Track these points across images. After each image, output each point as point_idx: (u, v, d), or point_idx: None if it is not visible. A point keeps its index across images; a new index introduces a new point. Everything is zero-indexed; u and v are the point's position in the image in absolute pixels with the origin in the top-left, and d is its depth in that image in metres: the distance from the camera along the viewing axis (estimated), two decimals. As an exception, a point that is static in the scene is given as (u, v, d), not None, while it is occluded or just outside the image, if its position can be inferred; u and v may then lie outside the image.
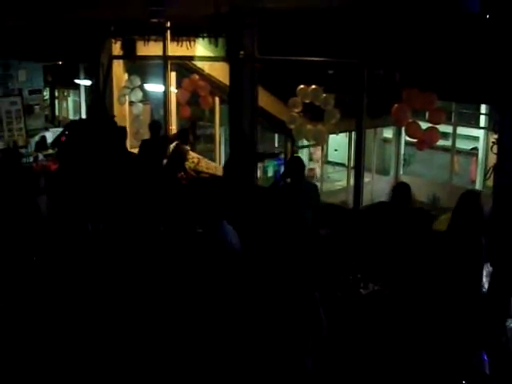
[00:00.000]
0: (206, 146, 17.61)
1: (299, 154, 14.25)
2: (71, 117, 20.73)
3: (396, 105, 9.85)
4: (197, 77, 13.69)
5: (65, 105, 21.15)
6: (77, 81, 18.73)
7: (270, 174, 15.70)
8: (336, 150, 17.43)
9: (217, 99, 14.81)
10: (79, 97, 19.50)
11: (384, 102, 10.65)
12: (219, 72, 13.81)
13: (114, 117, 13.84)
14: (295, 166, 9.20)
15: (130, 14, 12.43)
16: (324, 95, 11.01)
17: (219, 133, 15.41)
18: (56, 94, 20.54)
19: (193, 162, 13.62)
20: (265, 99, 12.59)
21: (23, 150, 15.78)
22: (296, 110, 11.37)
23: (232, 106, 12.18)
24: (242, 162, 11.11)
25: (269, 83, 12.93)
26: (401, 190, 8.19)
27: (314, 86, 11.09)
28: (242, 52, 11.69)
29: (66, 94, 21.11)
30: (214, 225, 6.93)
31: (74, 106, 20.97)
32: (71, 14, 12.56)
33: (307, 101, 11.22)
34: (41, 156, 15.43)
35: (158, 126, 12.51)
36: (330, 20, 10.42)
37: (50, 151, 15.26)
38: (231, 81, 12.02)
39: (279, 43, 11.55)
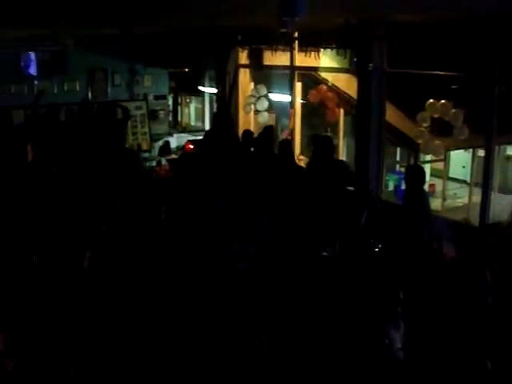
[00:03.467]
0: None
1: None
2: (193, 123, 21.37)
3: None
4: (324, 87, 14.03)
5: (187, 111, 21.79)
6: (201, 88, 19.36)
7: (391, 188, 15.79)
8: (464, 167, 17.37)
9: (341, 110, 15.05)
10: (202, 104, 20.10)
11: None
12: (344, 83, 14.11)
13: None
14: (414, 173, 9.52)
15: (258, 23, 12.83)
16: (453, 110, 11.18)
17: (342, 144, 15.66)
18: (179, 100, 21.21)
19: (315, 172, 13.91)
20: (389, 112, 12.78)
21: (147, 154, 16.48)
22: (424, 125, 11.58)
23: (359, 118, 12.49)
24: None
25: (394, 96, 13.11)
26: None
27: (443, 101, 11.28)
28: (370, 64, 11.97)
29: (188, 100, 21.75)
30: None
31: (195, 112, 21.59)
32: (199, 23, 13.06)
33: (436, 116, 11.41)
34: (164, 161, 16.05)
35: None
36: (462, 33, 10.54)
37: (174, 156, 15.89)
38: (359, 93, 12.33)
39: (408, 56, 11.75)
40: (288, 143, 12.50)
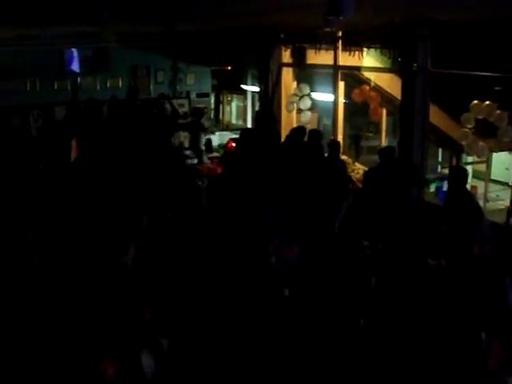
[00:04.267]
0: (370, 157, 17.86)
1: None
2: (234, 121, 21.48)
3: None
4: (367, 87, 14.10)
5: (228, 109, 21.91)
6: (244, 86, 19.49)
7: (432, 189, 15.78)
8: (507, 169, 17.27)
9: (384, 110, 15.08)
10: (243, 102, 20.24)
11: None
12: (386, 83, 14.16)
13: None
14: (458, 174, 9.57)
15: (302, 21, 12.90)
16: (498, 112, 11.18)
17: (385, 145, 15.65)
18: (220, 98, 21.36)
19: (358, 173, 13.97)
20: (433, 113, 12.79)
21: (188, 152, 16.59)
22: (468, 126, 11.59)
23: (403, 119, 12.54)
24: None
25: (438, 97, 13.11)
26: None
27: (488, 102, 11.28)
28: (415, 64, 12.01)
29: (229, 98, 21.88)
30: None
31: (237, 110, 21.70)
32: (242, 21, 13.16)
33: (480, 117, 11.41)
34: (206, 158, 16.17)
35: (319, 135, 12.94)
36: (507, 33, 10.51)
37: (216, 154, 16.03)
38: (403, 93, 12.39)
39: (452, 56, 11.76)
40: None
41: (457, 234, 8.94)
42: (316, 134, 12.67)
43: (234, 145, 14.20)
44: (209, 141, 17.16)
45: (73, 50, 16.60)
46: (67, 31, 14.33)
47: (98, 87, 17.01)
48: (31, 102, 16.26)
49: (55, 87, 16.63)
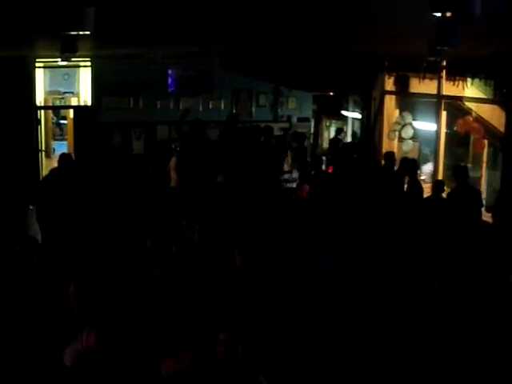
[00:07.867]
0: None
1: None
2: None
3: None
4: (471, 118, 14.19)
5: (326, 135, 22.09)
6: (344, 112, 19.69)
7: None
8: None
9: (485, 142, 15.07)
10: (343, 128, 20.39)
11: None
12: (488, 114, 14.19)
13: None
14: None
15: (407, 50, 13.02)
16: None
17: (485, 177, 15.66)
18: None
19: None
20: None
21: (287, 176, 16.84)
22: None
23: (506, 151, 12.67)
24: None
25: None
26: None
27: None
28: (519, 96, 12.04)
29: (328, 124, 22.06)
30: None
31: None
32: (348, 47, 13.38)
33: None
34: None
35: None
36: None
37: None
38: (507, 125, 12.51)
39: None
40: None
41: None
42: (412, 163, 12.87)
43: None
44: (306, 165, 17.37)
45: (176, 70, 17.14)
46: (173, 51, 14.83)
47: (201, 108, 17.43)
48: (133, 119, 16.87)
49: (158, 106, 17.18)
